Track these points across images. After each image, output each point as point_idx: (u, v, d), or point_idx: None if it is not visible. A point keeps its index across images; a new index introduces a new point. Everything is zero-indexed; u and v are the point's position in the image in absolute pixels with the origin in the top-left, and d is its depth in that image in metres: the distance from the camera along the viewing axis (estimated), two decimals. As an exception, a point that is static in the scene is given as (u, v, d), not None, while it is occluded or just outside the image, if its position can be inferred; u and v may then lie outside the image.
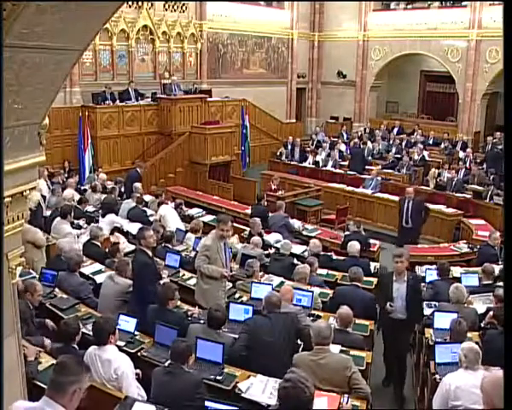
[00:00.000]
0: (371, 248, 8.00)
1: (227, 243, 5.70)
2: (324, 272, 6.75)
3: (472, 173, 12.43)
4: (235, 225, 9.05)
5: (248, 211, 9.64)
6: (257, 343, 4.33)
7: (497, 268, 6.26)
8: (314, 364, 3.90)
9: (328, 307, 5.55)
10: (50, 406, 2.39)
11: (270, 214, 8.96)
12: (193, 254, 7.04)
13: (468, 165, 13.33)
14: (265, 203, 9.56)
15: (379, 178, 12.32)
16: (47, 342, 4.33)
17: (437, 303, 5.58)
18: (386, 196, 11.74)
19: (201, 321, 4.99)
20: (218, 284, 5.45)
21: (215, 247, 5.35)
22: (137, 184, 9.58)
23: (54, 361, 4.05)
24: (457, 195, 11.39)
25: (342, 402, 3.72)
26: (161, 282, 5.29)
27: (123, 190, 10.23)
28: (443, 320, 4.99)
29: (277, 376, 4.05)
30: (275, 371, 4.07)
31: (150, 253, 5.36)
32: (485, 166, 13.20)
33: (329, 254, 7.52)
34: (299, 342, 4.60)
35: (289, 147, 15.60)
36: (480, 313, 5.35)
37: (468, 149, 14.63)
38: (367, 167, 13.78)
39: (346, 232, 8.33)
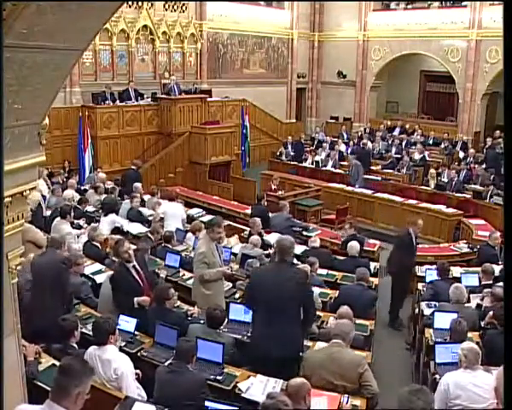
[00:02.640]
0: (371, 248, 8.01)
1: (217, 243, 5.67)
2: (324, 272, 6.75)
3: (476, 173, 12.43)
4: (235, 225, 9.10)
5: (248, 211, 9.63)
6: (263, 288, 4.24)
7: (497, 268, 6.27)
8: (327, 357, 3.90)
9: (334, 306, 5.53)
10: (54, 409, 2.39)
11: (271, 214, 8.95)
12: (193, 254, 7.04)
13: (469, 165, 13.31)
14: (265, 203, 9.55)
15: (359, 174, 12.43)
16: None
17: (437, 303, 5.58)
18: (386, 195, 11.74)
19: (201, 321, 5.00)
20: (219, 288, 5.47)
21: (210, 251, 5.33)
22: (137, 185, 9.57)
23: (54, 362, 4.06)
24: (457, 195, 11.39)
25: (342, 402, 3.73)
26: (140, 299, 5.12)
27: (121, 190, 10.20)
28: (443, 320, 4.99)
29: (281, 328, 4.10)
30: (278, 325, 4.10)
31: (131, 264, 5.15)
32: (484, 165, 13.20)
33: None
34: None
35: (289, 146, 15.64)
36: (473, 307, 5.36)
37: (472, 150, 14.61)
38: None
39: (344, 234, 8.18)
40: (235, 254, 7.10)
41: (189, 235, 7.67)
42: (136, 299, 5.01)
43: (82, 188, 10.60)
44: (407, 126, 17.59)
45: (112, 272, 5.44)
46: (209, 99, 14.88)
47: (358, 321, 5.13)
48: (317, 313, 5.42)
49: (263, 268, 4.51)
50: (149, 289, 5.23)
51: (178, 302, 5.25)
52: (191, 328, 4.69)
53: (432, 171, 12.61)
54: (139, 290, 5.12)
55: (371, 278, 6.53)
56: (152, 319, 4.75)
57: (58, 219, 7.27)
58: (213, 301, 5.24)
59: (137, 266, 5.23)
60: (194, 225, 7.71)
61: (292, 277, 4.21)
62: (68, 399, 2.40)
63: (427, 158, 14.52)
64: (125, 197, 9.19)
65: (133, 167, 10.94)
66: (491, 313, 4.97)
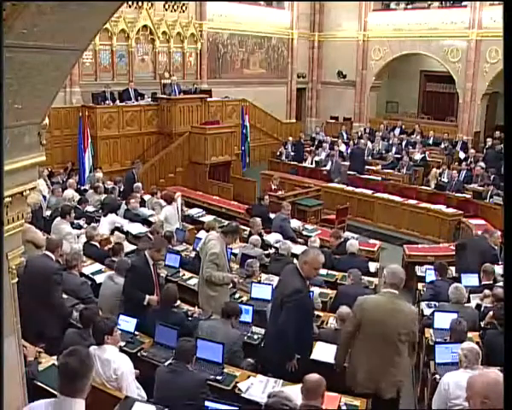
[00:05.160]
0: (371, 248, 8.02)
1: None
2: (324, 272, 6.75)
3: (476, 174, 12.43)
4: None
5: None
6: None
7: (497, 268, 6.26)
8: (384, 302, 3.81)
9: (333, 307, 5.53)
10: (68, 401, 2.40)
11: (272, 215, 8.94)
12: (193, 254, 7.05)
13: (469, 165, 13.30)
14: (267, 203, 9.50)
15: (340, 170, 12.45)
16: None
17: (437, 303, 5.58)
18: (386, 195, 11.75)
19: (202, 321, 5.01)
20: (224, 290, 5.48)
21: (222, 253, 5.38)
22: (138, 185, 9.55)
23: (54, 361, 4.06)
24: (457, 195, 11.39)
25: (341, 402, 3.73)
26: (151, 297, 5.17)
27: (122, 189, 10.19)
28: (443, 320, 4.99)
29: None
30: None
31: (151, 261, 5.22)
32: (483, 165, 13.20)
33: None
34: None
35: (289, 146, 15.64)
36: (473, 307, 5.36)
37: (472, 150, 14.60)
38: (367, 167, 13.85)
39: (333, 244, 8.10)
40: (235, 255, 7.10)
41: (203, 232, 7.55)
42: (148, 296, 5.04)
43: (82, 188, 10.61)
44: (403, 126, 17.56)
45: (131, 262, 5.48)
46: (209, 99, 14.87)
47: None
48: (317, 313, 5.43)
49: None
50: (159, 289, 5.29)
51: (178, 302, 5.25)
52: (202, 323, 4.76)
53: (434, 170, 12.63)
54: (152, 287, 5.17)
55: (371, 278, 6.55)
56: (153, 319, 4.76)
57: (58, 219, 7.27)
58: (217, 303, 5.25)
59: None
60: (208, 224, 7.63)
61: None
62: (81, 395, 2.43)
63: (427, 158, 14.53)
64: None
65: (133, 171, 10.89)
66: (491, 313, 4.98)
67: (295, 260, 6.72)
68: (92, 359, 2.61)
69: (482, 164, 13.14)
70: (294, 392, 3.18)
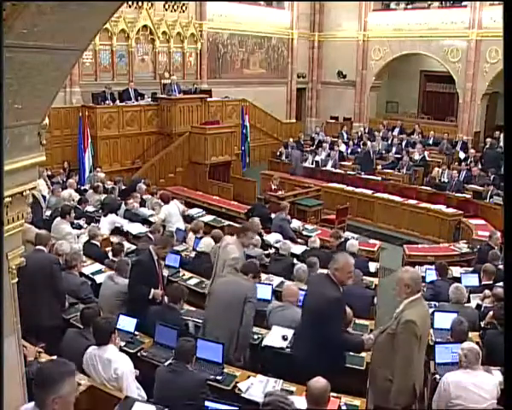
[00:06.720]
0: (371, 248, 8.01)
1: None
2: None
3: (473, 174, 12.44)
4: (235, 225, 9.09)
5: (248, 211, 9.61)
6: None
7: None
8: (426, 312, 3.78)
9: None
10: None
11: (273, 215, 8.94)
12: (193, 254, 7.05)
13: (469, 165, 13.31)
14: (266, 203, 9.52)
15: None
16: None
17: (437, 303, 5.58)
18: (386, 195, 11.76)
19: (200, 321, 5.00)
20: None
21: (242, 258, 5.41)
22: (141, 185, 9.54)
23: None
24: (457, 195, 11.39)
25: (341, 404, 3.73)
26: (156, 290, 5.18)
27: (123, 187, 10.19)
28: (443, 320, 4.98)
29: None
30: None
31: (156, 257, 5.23)
32: (480, 165, 13.21)
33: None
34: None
35: (289, 148, 15.64)
36: (473, 307, 5.36)
37: (472, 151, 14.60)
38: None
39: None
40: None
41: (191, 235, 7.63)
42: (153, 290, 5.07)
43: (82, 188, 10.60)
44: (401, 125, 17.55)
45: (136, 258, 5.53)
46: (209, 99, 14.88)
47: (358, 321, 5.13)
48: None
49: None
50: (163, 284, 5.32)
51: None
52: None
53: (436, 170, 12.65)
54: (156, 282, 5.19)
55: (371, 278, 6.55)
56: (153, 318, 4.76)
57: (58, 219, 7.26)
58: None
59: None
60: (197, 224, 7.68)
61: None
62: (45, 407, 2.32)
63: (427, 158, 14.53)
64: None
65: (144, 178, 10.86)
66: (491, 313, 4.98)
67: (295, 260, 6.82)
68: (68, 371, 2.42)
69: (479, 165, 13.15)
70: (299, 401, 3.11)
